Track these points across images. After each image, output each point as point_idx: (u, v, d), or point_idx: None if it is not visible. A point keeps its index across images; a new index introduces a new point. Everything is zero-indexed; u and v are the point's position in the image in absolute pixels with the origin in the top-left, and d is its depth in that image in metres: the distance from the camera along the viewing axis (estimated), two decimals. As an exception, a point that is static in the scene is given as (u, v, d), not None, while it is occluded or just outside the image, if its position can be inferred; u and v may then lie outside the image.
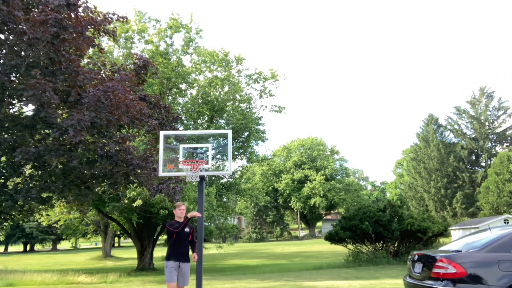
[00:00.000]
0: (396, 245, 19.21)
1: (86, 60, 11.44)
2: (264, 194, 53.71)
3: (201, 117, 24.64)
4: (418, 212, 23.01)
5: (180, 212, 6.35)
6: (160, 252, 34.58)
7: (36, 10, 9.70)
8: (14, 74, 9.73)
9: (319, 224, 71.34)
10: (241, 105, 24.69)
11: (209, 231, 23.11)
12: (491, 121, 45.31)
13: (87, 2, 10.13)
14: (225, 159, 19.61)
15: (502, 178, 34.20)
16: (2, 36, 9.61)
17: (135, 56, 12.73)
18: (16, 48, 9.57)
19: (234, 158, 24.70)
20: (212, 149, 7.35)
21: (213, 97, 23.70)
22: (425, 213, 21.19)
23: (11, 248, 66.53)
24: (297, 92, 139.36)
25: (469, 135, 46.26)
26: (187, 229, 6.33)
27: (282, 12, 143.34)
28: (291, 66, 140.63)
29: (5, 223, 13.23)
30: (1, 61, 9.59)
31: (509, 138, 44.82)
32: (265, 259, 29.72)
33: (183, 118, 20.21)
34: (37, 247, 65.41)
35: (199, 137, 16.38)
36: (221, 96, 24.02)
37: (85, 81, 9.53)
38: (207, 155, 7.04)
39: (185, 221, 6.27)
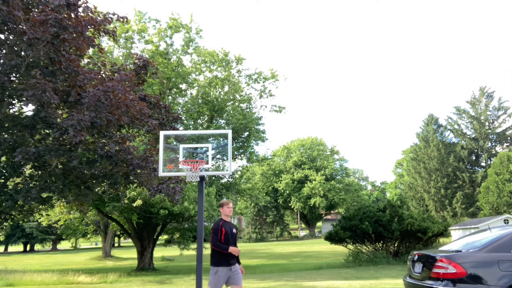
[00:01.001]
0: (396, 245, 19.21)
1: (86, 60, 11.44)
2: (264, 194, 53.77)
3: (201, 117, 24.65)
4: (418, 212, 23.01)
5: (229, 210, 5.94)
6: (160, 252, 34.62)
7: (36, 10, 9.69)
8: (14, 74, 9.73)
9: (319, 224, 71.35)
10: (241, 105, 24.70)
11: (209, 231, 23.08)
12: (491, 121, 45.33)
13: (87, 2, 10.13)
14: (225, 159, 19.61)
15: (502, 178, 34.21)
16: (2, 36, 9.61)
17: (135, 56, 12.72)
18: (16, 48, 9.57)
19: (234, 158, 24.70)
20: (212, 149, 7.33)
21: (213, 97, 23.71)
22: (425, 213, 21.19)
23: (11, 248, 66.54)
24: (297, 92, 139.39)
25: (469, 135, 46.28)
26: (234, 230, 5.94)
27: (282, 12, 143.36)
28: (291, 66, 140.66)
29: (5, 223, 13.23)
30: (1, 61, 9.58)
31: (509, 138, 44.83)
32: (265, 259, 29.72)
33: (183, 118, 20.22)
34: (37, 247, 65.40)
35: (199, 137, 16.38)
36: (221, 96, 24.03)
37: (85, 81, 9.53)
38: (207, 155, 7.03)
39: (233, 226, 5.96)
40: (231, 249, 5.60)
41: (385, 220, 18.50)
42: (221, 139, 20.32)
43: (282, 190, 61.90)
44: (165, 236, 27.31)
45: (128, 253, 40.24)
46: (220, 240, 5.65)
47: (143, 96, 11.89)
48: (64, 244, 70.07)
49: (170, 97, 23.56)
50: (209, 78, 24.18)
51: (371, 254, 18.90)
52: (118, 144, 10.31)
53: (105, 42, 20.57)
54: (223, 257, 5.64)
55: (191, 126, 23.50)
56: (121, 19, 11.01)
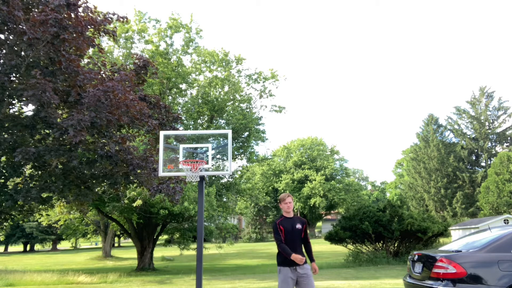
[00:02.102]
0: (396, 245, 19.22)
1: (86, 60, 11.44)
2: (264, 194, 53.74)
3: (201, 117, 24.65)
4: (418, 212, 23.03)
5: (286, 207, 5.46)
6: (160, 252, 34.63)
7: (36, 10, 9.70)
8: (14, 74, 9.74)
9: (319, 224, 71.36)
10: (241, 105, 24.71)
11: (209, 231, 23.11)
12: (491, 121, 45.36)
13: (87, 2, 10.14)
14: (225, 159, 19.61)
15: (502, 178, 34.22)
16: (2, 36, 9.61)
17: (135, 56, 12.73)
18: (16, 48, 9.57)
19: (234, 158, 24.70)
20: (212, 149, 7.33)
21: (213, 97, 23.71)
22: (425, 213, 21.22)
23: (11, 248, 66.52)
24: (297, 92, 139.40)
25: (469, 135, 46.31)
26: (299, 226, 5.34)
27: (282, 12, 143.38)
28: (291, 66, 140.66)
29: (5, 223, 13.24)
30: (1, 61, 9.59)
31: (509, 138, 44.86)
32: (265, 259, 29.73)
33: (183, 118, 20.22)
34: (37, 247, 65.40)
35: (199, 137, 16.37)
36: (221, 96, 24.03)
37: (85, 81, 9.54)
38: (207, 155, 7.02)
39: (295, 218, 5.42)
40: (294, 256, 5.07)
41: (385, 220, 18.50)
42: (221, 139, 20.30)
43: (282, 190, 61.89)
44: (165, 236, 27.33)
45: (128, 253, 40.25)
46: (283, 238, 5.24)
47: (143, 96, 11.89)
48: (64, 244, 70.05)
49: (170, 97, 23.57)
50: (209, 78, 24.19)
51: (371, 254, 18.90)
52: (118, 144, 10.31)
53: (105, 42, 20.57)
54: (284, 256, 5.19)
55: (191, 126, 23.50)
56: (121, 19, 11.01)
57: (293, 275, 5.12)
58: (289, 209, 5.45)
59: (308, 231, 5.48)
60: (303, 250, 5.40)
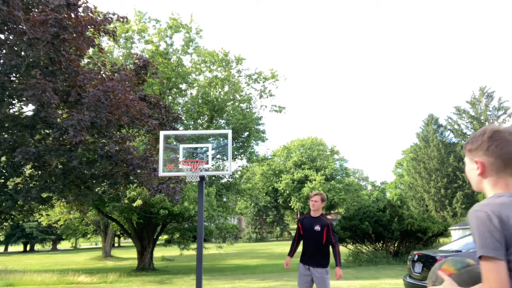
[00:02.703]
0: (396, 245, 19.21)
1: (86, 60, 11.46)
2: (264, 194, 53.76)
3: (201, 117, 24.66)
4: (418, 212, 23.03)
5: (311, 204, 5.25)
6: (160, 252, 34.62)
7: (36, 10, 9.70)
8: (14, 74, 9.74)
9: (319, 224, 71.22)
10: (241, 105, 24.71)
11: (209, 231, 23.10)
12: (491, 121, 45.34)
13: (87, 2, 10.14)
14: (225, 159, 19.60)
15: (502, 178, 34.21)
16: (2, 36, 9.62)
17: (135, 56, 12.74)
18: (16, 48, 9.57)
19: (234, 158, 24.70)
20: (212, 149, 7.33)
21: (213, 97, 23.72)
22: (425, 213, 21.21)
23: (11, 248, 66.50)
24: (297, 92, 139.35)
25: (469, 135, 46.31)
26: (317, 227, 5.13)
27: (282, 12, 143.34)
28: (291, 66, 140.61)
29: (5, 223, 13.25)
30: (1, 61, 9.59)
31: (509, 138, 44.85)
32: (265, 259, 29.71)
33: (183, 118, 20.22)
34: (37, 247, 65.40)
35: (199, 137, 16.38)
36: (221, 96, 24.04)
37: (85, 81, 9.55)
38: (207, 155, 7.02)
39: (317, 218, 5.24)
40: (286, 260, 5.30)
41: (385, 220, 18.50)
42: (221, 139, 20.32)
43: (282, 190, 61.90)
44: (165, 236, 27.32)
45: (128, 253, 40.24)
46: (299, 236, 5.30)
47: (143, 96, 11.90)
48: (64, 244, 70.01)
49: (170, 97, 23.57)
50: (209, 78, 24.19)
51: (371, 254, 18.90)
52: (118, 144, 10.32)
53: (105, 42, 20.56)
54: (302, 255, 5.25)
55: (191, 126, 23.50)
56: (121, 19, 11.02)
57: (306, 273, 5.15)
58: (314, 208, 5.27)
59: (332, 234, 5.21)
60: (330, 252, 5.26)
